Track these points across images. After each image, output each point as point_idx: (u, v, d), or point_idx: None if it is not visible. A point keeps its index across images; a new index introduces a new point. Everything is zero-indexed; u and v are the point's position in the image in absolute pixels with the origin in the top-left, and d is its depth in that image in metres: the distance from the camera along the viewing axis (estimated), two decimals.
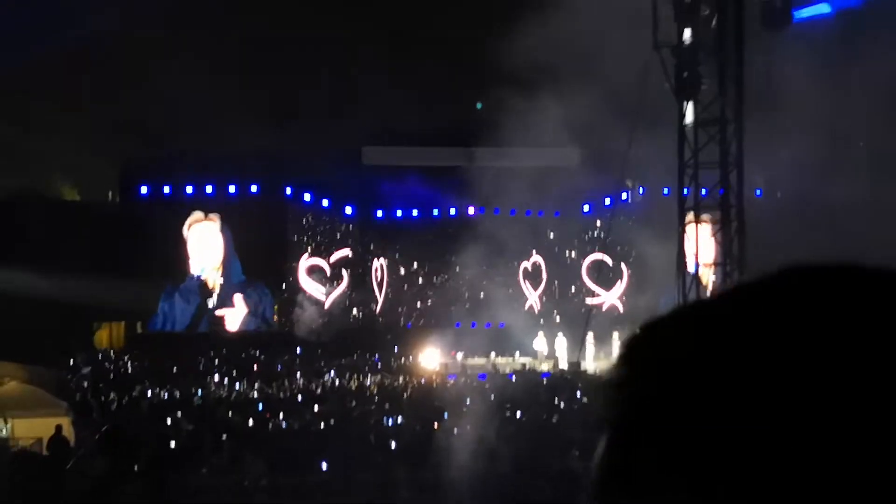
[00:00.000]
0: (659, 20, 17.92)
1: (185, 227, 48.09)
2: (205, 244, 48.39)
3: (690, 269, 18.83)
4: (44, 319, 38.73)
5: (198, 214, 48.23)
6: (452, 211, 48.33)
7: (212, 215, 48.26)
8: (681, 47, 17.77)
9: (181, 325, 47.90)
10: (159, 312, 47.92)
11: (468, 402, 26.86)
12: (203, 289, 48.41)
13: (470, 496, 15.68)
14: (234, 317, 48.33)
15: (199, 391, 34.08)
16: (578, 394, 28.31)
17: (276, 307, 49.80)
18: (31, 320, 37.31)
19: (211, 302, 48.50)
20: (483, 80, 31.94)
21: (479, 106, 40.38)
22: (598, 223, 50.57)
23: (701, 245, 18.14)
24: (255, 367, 39.84)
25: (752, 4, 18.46)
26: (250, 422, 26.01)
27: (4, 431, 21.57)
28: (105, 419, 26.12)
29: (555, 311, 48.22)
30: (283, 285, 50.22)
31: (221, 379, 37.61)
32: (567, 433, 22.44)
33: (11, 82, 43.55)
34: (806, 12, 31.30)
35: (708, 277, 20.58)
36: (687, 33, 17.66)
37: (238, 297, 48.34)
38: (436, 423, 22.58)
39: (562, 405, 26.93)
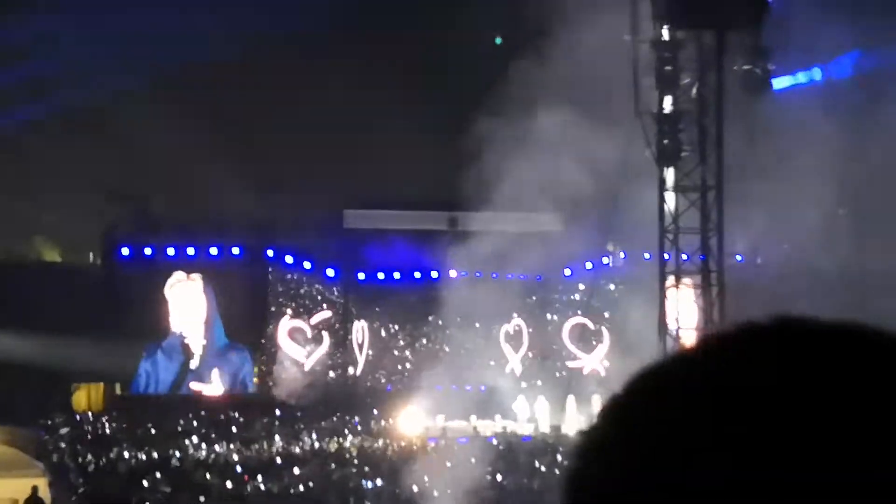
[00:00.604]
0: (640, 88, 18.11)
1: (166, 288, 47.95)
2: (187, 304, 48.16)
3: (672, 332, 18.93)
4: (22, 381, 38.51)
5: (179, 275, 48.04)
6: (434, 274, 48.30)
7: (193, 276, 48.17)
8: (661, 115, 17.96)
9: (164, 385, 47.47)
10: (142, 373, 47.47)
11: (449, 466, 26.78)
12: (186, 349, 48.16)
13: None
14: (212, 390, 48.13)
15: (178, 453, 33.88)
16: (559, 458, 28.26)
17: (255, 370, 49.61)
18: (10, 382, 37.08)
19: (193, 363, 48.29)
20: (466, 146, 32.08)
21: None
22: (580, 287, 50.71)
23: (682, 309, 18.25)
24: (234, 430, 39.61)
25: (732, 72, 18.66)
26: (228, 484, 25.88)
27: None
28: (83, 481, 25.98)
29: (536, 375, 48.10)
30: (264, 347, 50.12)
31: (200, 441, 37.40)
32: (548, 498, 22.39)
33: None
34: (786, 81, 31.66)
35: (689, 341, 20.67)
36: (668, 101, 17.85)
37: (215, 373, 48.07)
38: (416, 487, 22.50)
39: (543, 469, 26.89)
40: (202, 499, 23.12)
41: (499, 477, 25.40)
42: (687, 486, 0.65)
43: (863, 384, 0.67)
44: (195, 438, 37.75)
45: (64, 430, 37.34)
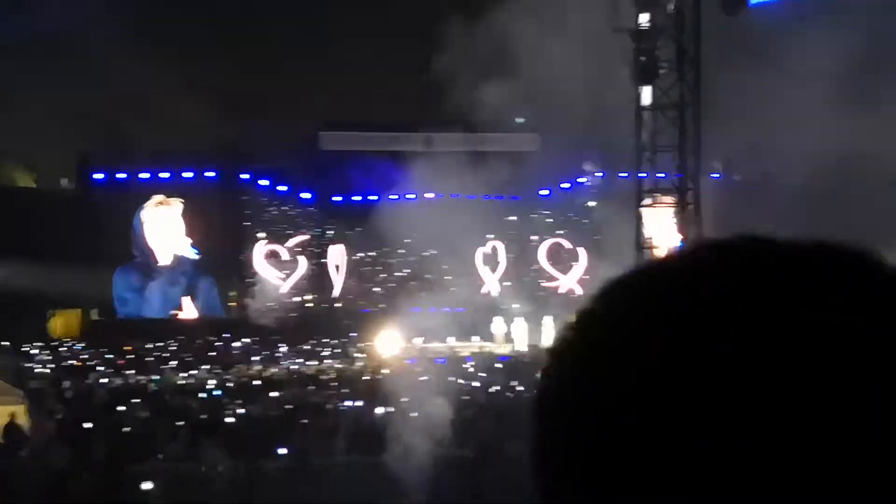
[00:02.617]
0: (618, 5, 17.98)
1: (142, 212, 47.98)
2: (163, 228, 48.23)
3: (648, 250, 18.92)
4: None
5: (158, 197, 48.06)
6: (411, 196, 48.23)
7: (172, 199, 48.15)
8: (639, 32, 17.84)
9: (152, 310, 48.00)
10: (127, 297, 47.95)
11: (427, 387, 26.90)
12: (168, 274, 48.46)
13: (431, 479, 15.71)
14: (186, 315, 48.46)
15: (155, 378, 33.91)
16: (538, 377, 28.35)
17: (231, 297, 49.82)
18: None
19: (175, 291, 48.57)
20: (441, 65, 31.85)
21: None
22: (557, 207, 50.83)
23: (659, 227, 18.25)
24: (212, 354, 39.67)
25: None
26: (206, 408, 25.91)
27: None
28: (61, 407, 25.95)
29: (513, 296, 48.27)
30: (240, 271, 50.17)
31: (178, 366, 37.48)
32: (525, 415, 22.55)
33: None
34: None
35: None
36: (645, 18, 17.72)
37: (186, 301, 48.81)
38: (394, 408, 22.54)
39: (520, 388, 26.99)
40: (180, 423, 23.09)
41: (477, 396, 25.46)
42: (641, 400, 0.68)
43: (810, 304, 0.68)
44: (173, 363, 37.83)
45: (40, 357, 37.30)
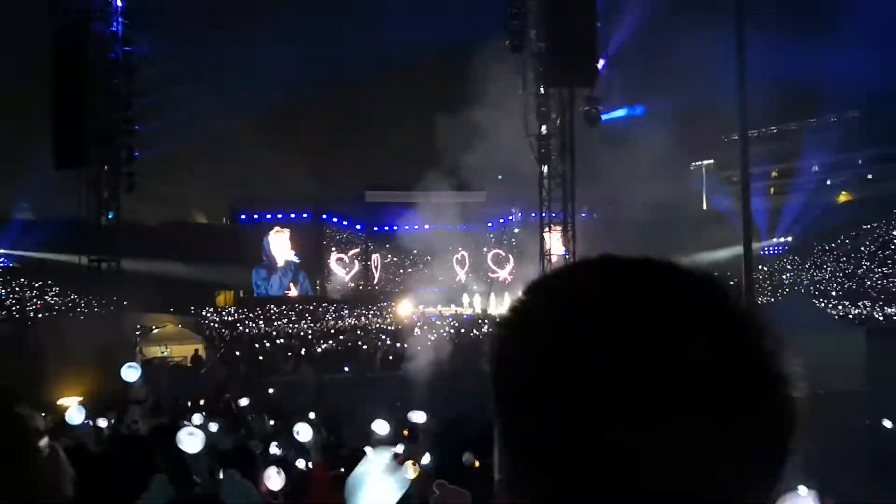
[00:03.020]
0: (528, 120, 17.96)
1: (268, 236, 48.21)
2: (280, 245, 48.42)
3: (547, 258, 18.98)
4: (186, 290, 38.21)
5: (276, 228, 48.40)
6: (416, 227, 48.31)
7: (284, 229, 48.41)
8: (540, 135, 17.86)
9: (274, 290, 48.04)
10: (259, 283, 47.99)
11: (426, 332, 26.92)
12: (278, 271, 48.45)
13: (429, 385, 15.68)
14: (293, 293, 48.32)
15: (274, 330, 33.90)
16: (486, 328, 28.42)
17: (317, 283, 49.82)
18: (180, 290, 36.75)
19: (284, 279, 48.59)
20: (431, 151, 31.84)
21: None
22: (497, 232, 51.07)
23: (553, 245, 18.26)
24: (307, 316, 39.65)
25: (579, 111, 18.46)
26: (304, 348, 25.97)
27: (167, 352, 21.33)
28: (223, 346, 25.91)
29: (473, 282, 48.29)
30: (322, 269, 50.34)
31: (287, 322, 37.43)
32: (483, 349, 22.66)
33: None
34: (610, 116, 31.64)
35: (557, 264, 20.80)
36: (544, 128, 17.75)
37: (292, 286, 48.58)
38: (408, 345, 22.56)
39: (476, 333, 27.05)
40: (290, 353, 23.07)
41: (454, 338, 25.52)
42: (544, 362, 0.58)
43: (647, 300, 0.59)
44: (285, 320, 37.77)
45: (211, 317, 37.22)
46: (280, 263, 48.38)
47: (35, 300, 36.00)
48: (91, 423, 7.70)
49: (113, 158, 18.00)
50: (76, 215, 17.85)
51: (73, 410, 7.31)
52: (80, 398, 10.14)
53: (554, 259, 17.83)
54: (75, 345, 14.22)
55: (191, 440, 4.80)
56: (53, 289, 37.08)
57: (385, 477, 2.52)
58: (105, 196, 18.13)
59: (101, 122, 17.48)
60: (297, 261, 48.63)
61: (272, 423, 10.24)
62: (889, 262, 47.03)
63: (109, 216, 18.15)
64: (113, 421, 8.80)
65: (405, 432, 6.93)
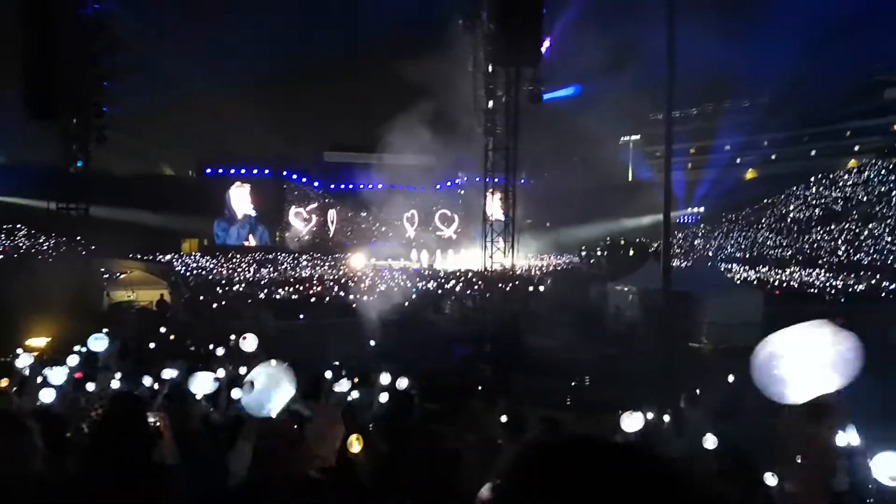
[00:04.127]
0: (476, 96, 17.71)
1: (230, 190, 46.99)
2: (240, 200, 47.37)
3: (490, 218, 19.02)
4: (153, 237, 37.13)
5: (237, 183, 47.17)
6: (371, 186, 47.87)
7: (245, 184, 47.26)
8: (487, 110, 17.68)
9: (230, 240, 46.91)
10: (220, 234, 46.80)
11: (376, 283, 26.84)
12: (238, 222, 47.49)
13: (378, 329, 15.65)
14: (252, 243, 47.50)
15: (237, 274, 33.33)
16: (432, 283, 28.55)
17: (276, 235, 49.09)
18: (147, 238, 35.61)
19: (243, 230, 47.66)
20: (387, 117, 31.34)
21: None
22: (445, 194, 50.95)
23: (494, 207, 18.26)
24: (268, 265, 39.07)
25: (523, 90, 18.29)
26: (264, 293, 25.57)
27: (133, 297, 20.74)
28: (187, 290, 25.34)
29: (421, 238, 48.35)
30: (282, 222, 49.55)
31: (248, 267, 36.85)
32: (430, 296, 22.81)
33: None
34: (551, 95, 31.78)
35: (496, 223, 20.88)
36: (491, 103, 17.53)
37: (251, 237, 47.68)
38: (359, 295, 22.48)
39: (422, 284, 27.13)
40: (249, 301, 22.65)
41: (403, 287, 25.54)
42: None
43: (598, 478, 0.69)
44: (245, 265, 37.19)
45: (177, 264, 36.31)
46: (239, 217, 47.50)
47: (5, 243, 34.46)
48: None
49: (82, 112, 17.16)
50: (47, 163, 17.04)
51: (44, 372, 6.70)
52: (49, 338, 9.78)
53: (494, 220, 17.80)
54: (45, 287, 13.68)
55: (201, 381, 4.60)
56: (22, 230, 35.60)
57: (273, 371, 2.50)
58: (74, 147, 17.31)
59: (70, 76, 16.57)
60: (255, 214, 47.79)
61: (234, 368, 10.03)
62: (784, 231, 48.88)
63: (78, 164, 17.35)
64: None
65: (355, 380, 6.89)
